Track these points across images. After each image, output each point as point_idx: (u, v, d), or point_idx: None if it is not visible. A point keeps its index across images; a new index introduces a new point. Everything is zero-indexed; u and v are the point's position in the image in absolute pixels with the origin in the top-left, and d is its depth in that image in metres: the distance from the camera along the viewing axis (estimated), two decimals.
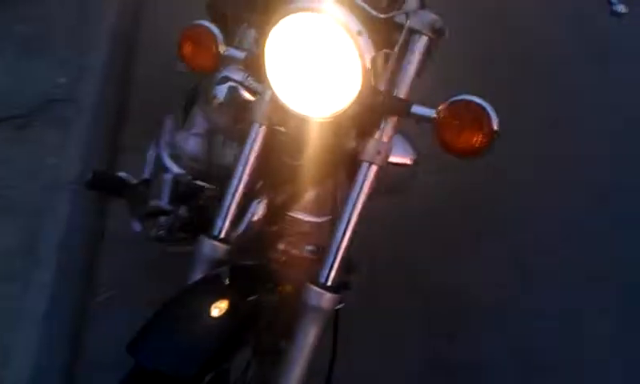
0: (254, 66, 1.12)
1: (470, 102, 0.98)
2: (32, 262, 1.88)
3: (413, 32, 1.06)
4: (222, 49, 1.13)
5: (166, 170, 1.59)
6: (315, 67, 1.00)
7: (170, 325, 0.95)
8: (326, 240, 1.07)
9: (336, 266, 1.05)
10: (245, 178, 1.14)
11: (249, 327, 1.03)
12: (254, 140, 1.13)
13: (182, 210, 1.57)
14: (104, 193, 1.76)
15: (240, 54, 1.14)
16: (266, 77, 1.05)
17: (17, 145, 2.21)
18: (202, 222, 1.55)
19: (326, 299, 1.04)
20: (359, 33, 0.97)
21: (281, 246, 1.22)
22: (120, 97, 2.58)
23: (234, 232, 1.13)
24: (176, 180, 1.53)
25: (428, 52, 1.07)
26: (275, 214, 1.25)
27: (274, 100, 1.09)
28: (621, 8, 1.15)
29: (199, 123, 1.66)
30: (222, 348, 0.96)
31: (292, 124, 1.09)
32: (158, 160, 1.64)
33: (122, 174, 1.59)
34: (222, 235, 1.13)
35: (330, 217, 1.20)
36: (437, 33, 1.06)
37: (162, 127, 1.78)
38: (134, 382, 0.91)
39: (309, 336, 1.04)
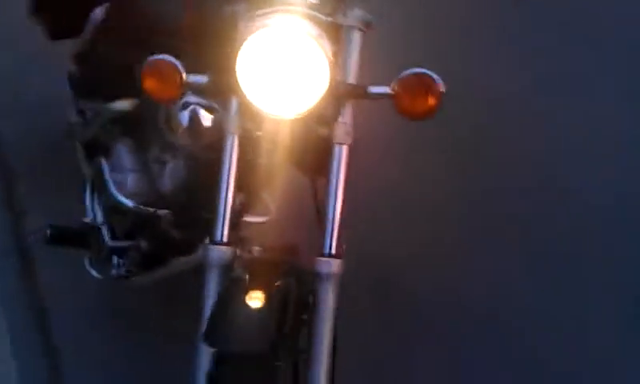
0: (217, 87, 1.25)
1: (418, 72, 1.19)
2: None
3: (350, 28, 1.25)
4: (185, 77, 1.25)
5: (118, 206, 1.64)
6: (286, 72, 1.16)
7: (234, 313, 1.08)
8: None
9: (335, 236, 1.23)
10: (231, 185, 1.27)
11: (286, 311, 1.17)
12: (232, 149, 1.26)
13: (143, 243, 1.65)
14: (65, 246, 1.76)
15: (202, 79, 1.26)
16: (238, 89, 1.19)
17: None
18: (169, 247, 1.64)
19: (336, 265, 1.21)
20: (320, 36, 1.15)
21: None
22: None
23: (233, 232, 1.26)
24: (133, 213, 1.60)
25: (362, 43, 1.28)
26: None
27: (244, 109, 1.24)
28: None
29: (127, 158, 1.74)
30: (278, 327, 1.11)
31: (268, 127, 1.24)
32: (106, 200, 1.69)
33: (76, 221, 1.62)
34: (225, 239, 1.25)
35: None
36: (367, 26, 1.27)
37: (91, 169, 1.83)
38: (220, 367, 1.04)
39: (329, 302, 1.21)
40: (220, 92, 1.27)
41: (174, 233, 1.63)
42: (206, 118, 1.36)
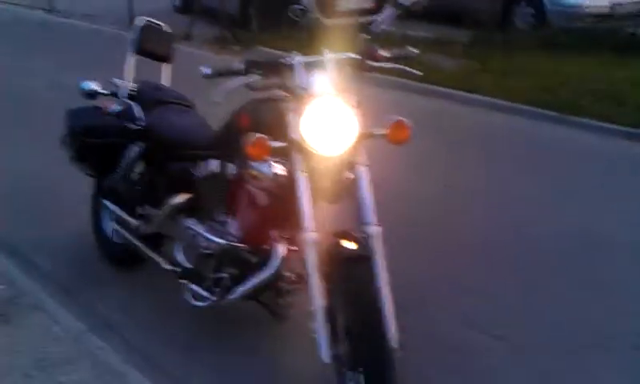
0: (290, 146, 2.21)
1: (397, 119, 2.23)
2: None
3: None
4: (271, 144, 2.20)
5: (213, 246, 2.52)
6: (333, 127, 2.15)
7: None
8: None
9: (370, 208, 2.18)
10: (308, 199, 2.19)
11: None
12: (304, 182, 2.20)
13: (231, 270, 2.50)
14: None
15: (282, 144, 2.21)
16: (303, 141, 2.16)
17: None
18: (248, 269, 2.49)
19: (378, 231, 2.16)
20: (357, 104, 2.18)
21: None
22: None
23: None
24: (222, 249, 2.48)
25: None
26: None
27: (307, 157, 2.20)
28: None
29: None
30: None
31: (320, 166, 2.21)
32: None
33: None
34: (315, 230, 2.16)
35: None
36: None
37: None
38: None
39: (380, 251, 2.14)
40: (291, 149, 2.22)
41: (252, 257, 2.49)
42: (280, 170, 2.30)
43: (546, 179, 4.61)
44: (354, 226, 2.21)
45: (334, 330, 2.12)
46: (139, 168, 3.05)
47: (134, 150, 3.04)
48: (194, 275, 2.61)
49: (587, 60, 7.21)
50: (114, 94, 3.28)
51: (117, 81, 3.35)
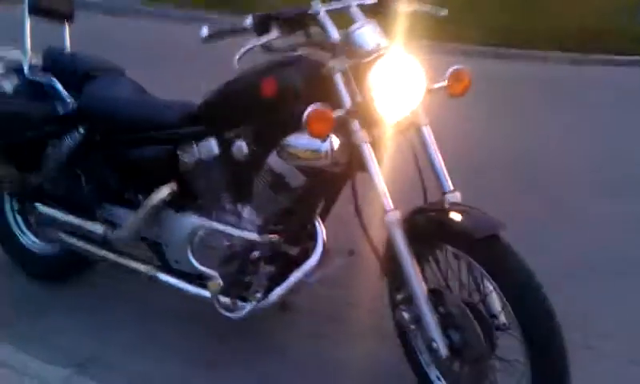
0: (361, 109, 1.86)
1: (456, 68, 1.98)
2: None
3: None
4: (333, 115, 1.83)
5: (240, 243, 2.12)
6: (404, 85, 1.84)
7: None
8: None
9: (447, 174, 1.93)
10: (379, 172, 1.86)
11: None
12: (369, 151, 1.86)
13: (269, 268, 2.11)
14: None
15: (341, 112, 1.85)
16: (369, 106, 1.83)
17: None
18: (287, 265, 2.11)
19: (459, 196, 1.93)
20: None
21: None
22: None
23: None
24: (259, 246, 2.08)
25: None
26: None
27: (370, 124, 1.87)
28: None
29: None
30: None
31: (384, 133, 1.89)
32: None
33: None
34: (393, 206, 1.85)
35: None
36: None
37: None
38: None
39: None
40: (354, 113, 1.87)
41: (291, 250, 2.11)
42: (337, 143, 1.93)
43: None
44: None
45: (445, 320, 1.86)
46: (82, 160, 2.41)
47: (71, 139, 2.38)
48: (236, 283, 2.13)
49: None
50: (14, 71, 2.55)
51: (11, 51, 2.60)
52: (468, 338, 1.82)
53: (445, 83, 1.99)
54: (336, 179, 2.05)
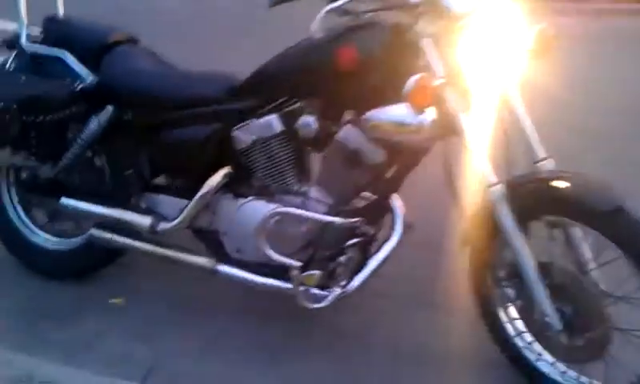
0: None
1: (539, 28, 1.86)
2: None
3: None
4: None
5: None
6: (500, 50, 1.72)
7: None
8: None
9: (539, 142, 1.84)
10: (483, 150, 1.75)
11: None
12: (469, 121, 1.74)
13: (352, 252, 1.96)
14: None
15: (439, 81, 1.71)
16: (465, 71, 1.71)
17: None
18: (368, 247, 1.98)
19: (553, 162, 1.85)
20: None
21: None
22: None
23: None
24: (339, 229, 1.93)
25: None
26: None
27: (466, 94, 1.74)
28: None
29: None
30: None
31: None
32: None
33: None
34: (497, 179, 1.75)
35: None
36: None
37: None
38: None
39: None
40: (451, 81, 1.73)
41: (371, 230, 1.97)
42: (433, 115, 1.78)
43: None
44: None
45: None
46: (111, 144, 2.13)
47: (97, 120, 2.09)
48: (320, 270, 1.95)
49: None
50: (10, 44, 2.21)
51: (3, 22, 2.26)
52: (580, 309, 1.77)
53: (528, 46, 1.88)
54: (420, 152, 1.92)
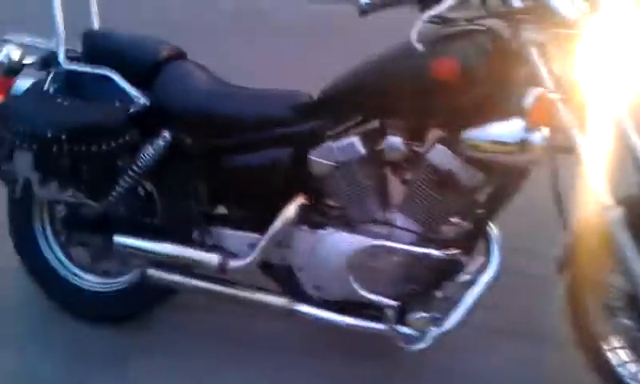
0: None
1: None
2: None
3: None
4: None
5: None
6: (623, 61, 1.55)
7: None
8: None
9: None
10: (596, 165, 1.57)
11: None
12: (583, 140, 1.57)
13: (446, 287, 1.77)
14: None
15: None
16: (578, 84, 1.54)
17: None
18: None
19: None
20: None
21: None
22: None
23: None
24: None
25: None
26: None
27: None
28: None
29: None
30: None
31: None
32: None
33: None
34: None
35: None
36: None
37: None
38: None
39: None
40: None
41: (468, 261, 1.78)
42: (546, 133, 1.60)
43: None
44: None
45: None
46: (170, 174, 1.91)
47: (153, 148, 1.87)
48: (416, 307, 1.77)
49: None
50: (46, 62, 1.99)
51: (35, 39, 2.04)
52: None
53: None
54: (523, 174, 1.73)
